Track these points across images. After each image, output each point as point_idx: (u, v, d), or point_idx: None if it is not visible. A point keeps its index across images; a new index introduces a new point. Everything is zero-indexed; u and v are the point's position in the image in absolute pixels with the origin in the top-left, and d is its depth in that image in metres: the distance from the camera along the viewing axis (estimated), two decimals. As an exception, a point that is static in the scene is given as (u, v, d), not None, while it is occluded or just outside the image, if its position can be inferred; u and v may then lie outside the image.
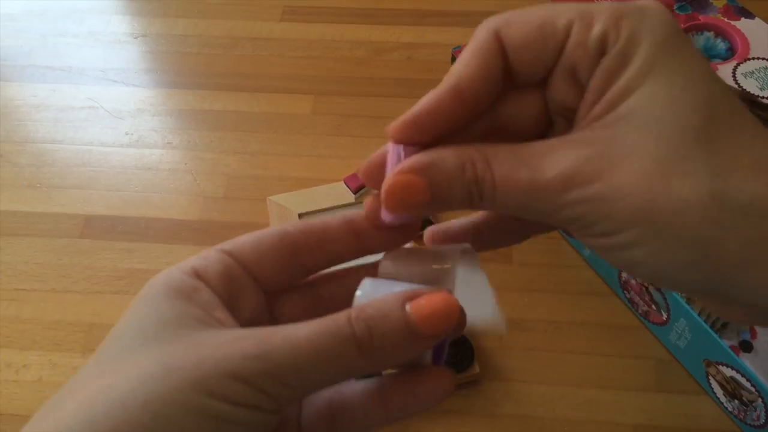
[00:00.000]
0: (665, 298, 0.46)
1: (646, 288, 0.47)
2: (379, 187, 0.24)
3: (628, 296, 0.51)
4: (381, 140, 0.68)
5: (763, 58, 0.55)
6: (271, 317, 0.26)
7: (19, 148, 0.63)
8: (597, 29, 0.22)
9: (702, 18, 0.59)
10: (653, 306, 0.48)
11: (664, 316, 0.47)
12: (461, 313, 0.23)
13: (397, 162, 0.23)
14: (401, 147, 0.23)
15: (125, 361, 0.21)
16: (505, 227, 0.28)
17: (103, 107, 0.66)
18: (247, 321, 0.25)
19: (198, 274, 0.24)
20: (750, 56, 0.56)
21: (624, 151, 0.21)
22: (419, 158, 0.23)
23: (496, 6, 0.71)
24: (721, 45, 0.57)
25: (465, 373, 0.47)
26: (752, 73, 0.55)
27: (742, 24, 0.58)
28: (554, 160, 0.22)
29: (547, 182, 0.22)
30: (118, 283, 0.54)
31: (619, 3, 0.23)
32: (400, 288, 0.23)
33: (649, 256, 0.22)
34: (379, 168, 0.24)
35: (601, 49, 0.22)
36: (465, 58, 0.23)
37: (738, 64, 0.55)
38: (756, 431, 0.44)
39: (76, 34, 0.72)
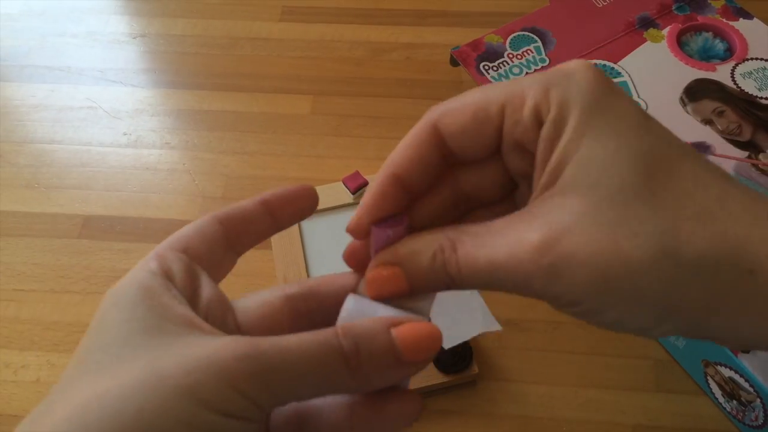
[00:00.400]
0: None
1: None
2: (362, 270, 0.26)
3: (626, 296, 0.51)
4: (380, 140, 0.68)
5: (762, 59, 0.55)
6: (237, 326, 0.26)
7: (18, 149, 0.63)
8: (528, 105, 0.23)
9: (700, 18, 0.59)
10: (652, 306, 0.48)
11: (663, 316, 0.47)
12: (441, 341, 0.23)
13: (376, 245, 0.25)
14: (379, 229, 0.25)
15: (114, 368, 0.21)
16: None
17: (102, 107, 0.66)
18: (205, 316, 0.25)
19: (165, 274, 0.24)
20: (748, 57, 0.56)
21: (571, 219, 0.22)
22: (396, 251, 0.25)
23: (495, 6, 0.71)
24: (719, 45, 0.57)
25: (464, 373, 0.47)
26: (750, 73, 0.55)
27: (741, 24, 0.58)
28: (508, 237, 0.23)
29: (501, 260, 0.22)
30: (116, 283, 0.54)
31: (546, 72, 0.24)
32: (383, 309, 0.24)
33: (619, 318, 0.23)
34: (359, 254, 0.26)
35: (538, 122, 0.23)
36: (401, 147, 0.25)
37: (736, 65, 0.55)
38: (754, 431, 0.44)
39: (74, 34, 0.72)
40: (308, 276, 0.52)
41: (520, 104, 0.24)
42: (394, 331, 0.22)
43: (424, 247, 0.24)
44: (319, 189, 0.56)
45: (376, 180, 0.25)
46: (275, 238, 0.54)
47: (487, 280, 0.23)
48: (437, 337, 0.23)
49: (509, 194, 0.27)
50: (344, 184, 0.56)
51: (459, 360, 0.47)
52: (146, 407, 0.20)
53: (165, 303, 0.23)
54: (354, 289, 0.27)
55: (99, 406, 0.20)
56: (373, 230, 0.25)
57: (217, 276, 0.26)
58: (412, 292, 0.24)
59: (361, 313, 0.24)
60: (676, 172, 0.22)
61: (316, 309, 0.27)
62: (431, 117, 0.25)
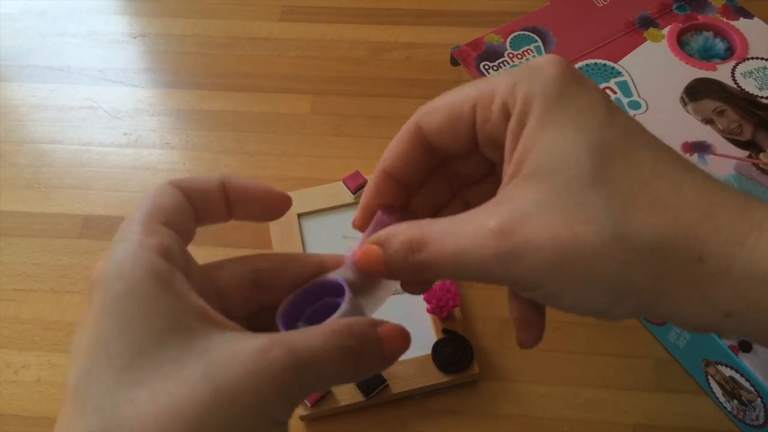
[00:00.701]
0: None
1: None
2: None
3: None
4: (380, 140, 0.68)
5: (762, 58, 0.55)
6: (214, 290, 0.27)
7: (18, 149, 0.63)
8: (497, 102, 0.25)
9: (701, 18, 0.59)
10: (652, 306, 0.48)
11: (664, 315, 0.47)
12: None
13: (372, 229, 0.28)
14: (382, 215, 0.28)
15: (162, 376, 0.21)
16: None
17: (102, 107, 0.66)
18: (197, 292, 0.25)
19: (165, 254, 0.23)
20: (749, 56, 0.56)
21: (529, 206, 0.23)
22: (380, 233, 0.26)
23: (495, 5, 0.71)
24: (720, 45, 0.57)
25: (464, 372, 0.47)
26: (751, 72, 0.55)
27: (741, 24, 0.58)
28: (473, 224, 0.24)
29: (465, 246, 0.24)
30: (111, 257, 0.54)
31: (517, 68, 0.26)
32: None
33: (576, 301, 0.23)
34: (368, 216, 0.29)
35: (506, 117, 0.25)
36: (390, 146, 0.28)
37: (737, 64, 0.55)
38: (755, 431, 0.44)
39: (74, 34, 0.72)
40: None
41: (490, 102, 0.25)
42: (379, 330, 0.25)
43: (399, 232, 0.26)
44: (319, 189, 0.56)
45: (374, 176, 0.28)
46: (276, 237, 0.54)
47: (453, 266, 0.24)
48: (408, 335, 0.26)
49: (494, 170, 0.29)
50: (345, 184, 0.56)
51: (460, 359, 0.47)
52: (225, 429, 0.21)
53: (179, 293, 0.23)
54: (318, 273, 0.28)
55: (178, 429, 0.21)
56: (377, 215, 0.28)
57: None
58: (388, 273, 0.26)
59: (351, 312, 0.26)
60: (635, 161, 0.23)
61: (278, 285, 0.28)
62: (415, 117, 0.27)
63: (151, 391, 0.21)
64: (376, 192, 0.28)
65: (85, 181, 0.60)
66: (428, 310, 0.49)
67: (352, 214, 0.55)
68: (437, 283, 0.49)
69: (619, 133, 0.24)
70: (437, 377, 0.47)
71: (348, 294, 0.27)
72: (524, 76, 0.25)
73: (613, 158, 0.23)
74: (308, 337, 0.23)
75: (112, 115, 0.65)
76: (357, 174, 0.56)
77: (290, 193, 0.60)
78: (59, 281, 0.54)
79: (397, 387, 0.47)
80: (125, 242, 0.24)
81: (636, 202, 0.22)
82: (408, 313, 0.51)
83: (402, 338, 0.25)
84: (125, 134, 0.64)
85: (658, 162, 0.23)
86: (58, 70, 0.69)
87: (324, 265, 0.28)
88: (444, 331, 0.49)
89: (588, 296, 0.23)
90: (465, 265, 0.24)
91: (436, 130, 0.27)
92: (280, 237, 0.54)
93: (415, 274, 0.26)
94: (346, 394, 0.47)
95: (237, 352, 0.22)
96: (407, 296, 0.50)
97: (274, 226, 0.55)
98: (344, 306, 0.26)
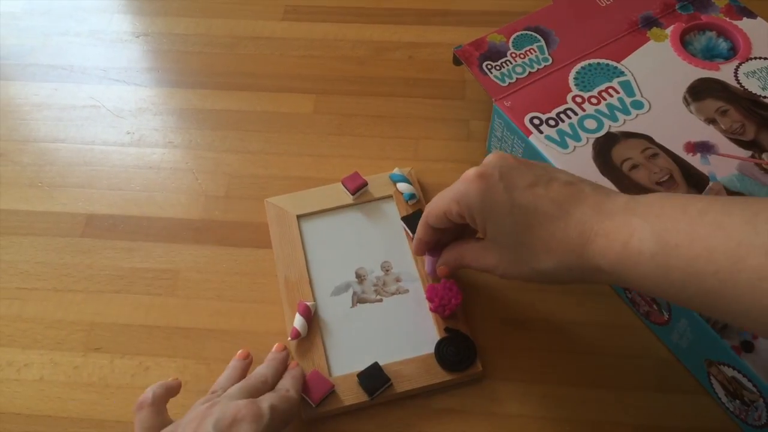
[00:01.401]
0: (667, 298, 0.46)
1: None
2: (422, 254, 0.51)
3: (629, 296, 0.50)
4: (382, 140, 0.68)
5: (765, 58, 0.55)
6: None
7: (21, 147, 0.63)
8: (454, 211, 0.43)
9: (704, 18, 0.58)
10: (654, 306, 0.48)
11: (666, 316, 0.47)
12: None
13: (429, 261, 0.50)
14: (430, 256, 0.50)
15: None
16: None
17: (105, 106, 0.66)
18: None
19: None
20: (752, 56, 0.56)
21: (500, 257, 0.44)
22: (443, 260, 0.48)
23: (498, 5, 0.71)
24: (723, 45, 0.57)
25: (467, 371, 0.47)
26: (754, 72, 0.55)
27: (744, 24, 0.58)
28: (487, 256, 0.44)
29: (488, 264, 0.44)
30: (119, 282, 0.54)
31: (456, 185, 0.43)
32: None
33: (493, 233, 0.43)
34: (423, 250, 0.50)
35: (461, 216, 0.43)
36: (418, 227, 0.48)
37: (740, 64, 0.55)
38: (757, 431, 0.44)
39: (78, 32, 0.72)
40: (309, 276, 0.52)
41: (450, 211, 0.43)
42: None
43: (450, 257, 0.48)
44: (319, 190, 0.56)
45: (414, 242, 0.49)
46: (275, 239, 0.54)
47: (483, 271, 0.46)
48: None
49: (465, 227, 0.48)
50: (343, 185, 0.56)
51: (463, 358, 0.47)
52: None
53: None
54: None
55: None
56: (427, 255, 0.50)
57: None
58: (450, 273, 0.49)
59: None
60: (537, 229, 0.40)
61: None
62: (424, 213, 0.46)
63: None
64: (420, 245, 0.49)
65: (87, 180, 0.60)
66: (431, 309, 0.49)
67: (351, 215, 0.59)
68: (440, 283, 0.49)
69: (522, 215, 0.40)
70: (440, 376, 0.47)
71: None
72: (460, 196, 0.42)
73: (524, 228, 0.41)
74: None
75: (115, 114, 0.65)
76: (356, 175, 0.56)
77: (289, 195, 0.61)
78: (62, 280, 0.54)
79: (400, 386, 0.47)
80: None
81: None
82: (410, 312, 0.51)
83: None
84: (128, 133, 0.64)
85: (554, 230, 0.40)
86: (61, 68, 0.69)
87: None
88: (446, 329, 0.49)
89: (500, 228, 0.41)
90: (475, 256, 0.46)
91: (433, 220, 0.45)
92: (280, 238, 0.54)
93: (460, 267, 0.47)
94: (350, 393, 0.47)
95: None
96: (409, 296, 0.51)
97: (273, 227, 0.55)
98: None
